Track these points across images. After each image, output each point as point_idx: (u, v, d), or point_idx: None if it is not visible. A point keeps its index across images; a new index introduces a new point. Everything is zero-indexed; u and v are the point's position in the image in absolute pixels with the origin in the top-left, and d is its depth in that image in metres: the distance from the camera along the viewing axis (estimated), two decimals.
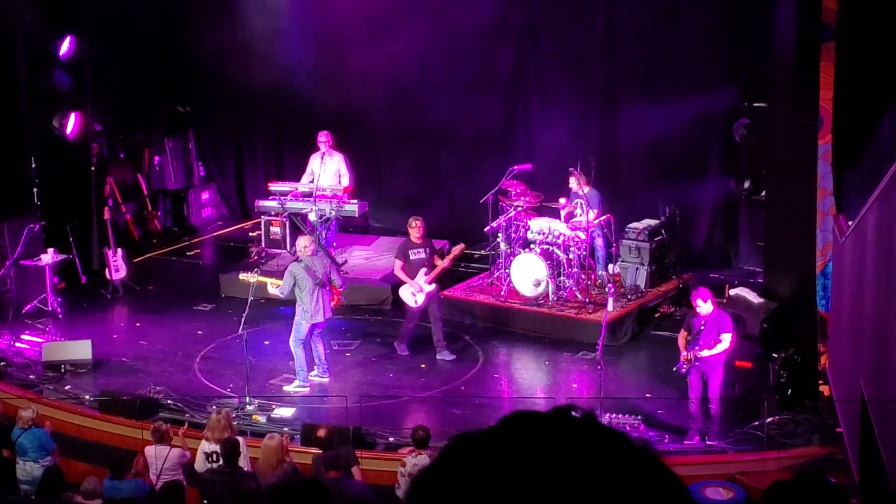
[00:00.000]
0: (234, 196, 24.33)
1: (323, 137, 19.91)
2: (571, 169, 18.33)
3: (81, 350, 16.90)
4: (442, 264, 16.90)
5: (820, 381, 15.36)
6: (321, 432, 13.06)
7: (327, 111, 21.62)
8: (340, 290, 16.30)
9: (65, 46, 19.63)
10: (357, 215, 20.10)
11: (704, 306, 14.31)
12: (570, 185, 18.42)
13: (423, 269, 16.63)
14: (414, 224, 16.80)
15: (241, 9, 22.25)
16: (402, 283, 17.01)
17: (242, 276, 16.53)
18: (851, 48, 13.72)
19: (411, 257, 16.74)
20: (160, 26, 22.68)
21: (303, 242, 16.13)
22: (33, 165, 20.21)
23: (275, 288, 16.00)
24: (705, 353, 14.24)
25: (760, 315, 15.68)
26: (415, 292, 16.66)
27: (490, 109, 21.45)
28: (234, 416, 14.49)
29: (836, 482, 12.12)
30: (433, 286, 16.77)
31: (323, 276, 15.76)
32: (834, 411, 14.56)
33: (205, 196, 24.02)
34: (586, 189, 18.32)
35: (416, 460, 12.69)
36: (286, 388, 16.03)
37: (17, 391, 15.84)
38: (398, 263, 16.89)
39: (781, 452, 14.19)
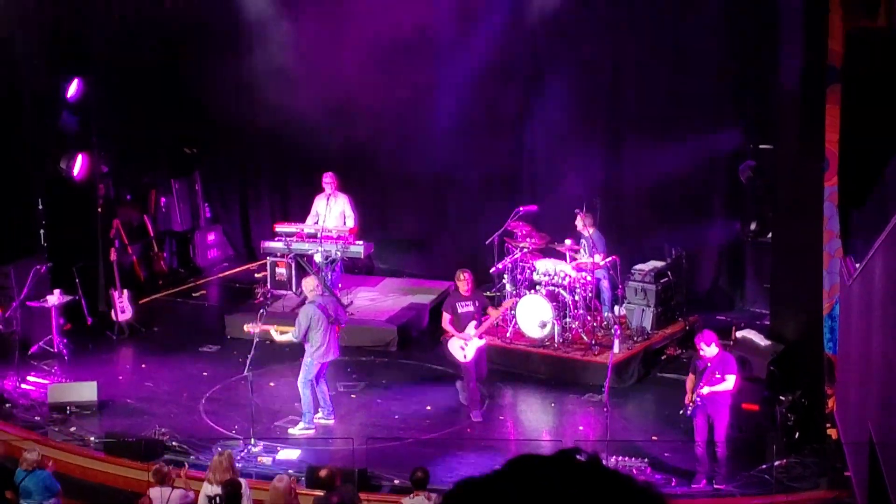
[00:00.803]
0: (240, 237, 24.36)
1: (328, 179, 19.97)
2: (577, 210, 18.35)
3: (87, 391, 16.88)
4: (492, 317, 16.47)
5: (828, 424, 15.30)
6: (323, 472, 13.02)
7: (333, 152, 21.68)
8: (341, 327, 16.24)
9: (72, 89, 19.70)
10: (363, 256, 20.11)
11: (708, 350, 14.27)
12: (577, 226, 18.42)
13: (473, 323, 16.11)
14: (462, 277, 16.27)
15: (247, 51, 22.33)
16: (449, 336, 16.44)
17: (246, 327, 16.31)
18: (857, 90, 13.73)
19: (459, 310, 16.16)
20: (166, 68, 22.74)
21: (311, 284, 16.08)
22: (40, 207, 20.23)
23: (281, 335, 15.90)
24: (706, 389, 14.19)
25: (767, 357, 15.64)
26: (463, 345, 16.09)
27: (496, 151, 21.51)
28: (238, 457, 14.46)
29: None
30: (483, 340, 16.31)
31: (334, 313, 15.79)
32: (842, 454, 14.47)
33: (211, 237, 24.04)
34: (591, 230, 18.34)
35: (414, 501, 12.66)
36: (291, 430, 15.98)
37: (22, 433, 15.81)
38: (446, 317, 16.30)
39: (789, 496, 14.13)
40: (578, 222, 18.37)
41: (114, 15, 20.79)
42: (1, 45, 19.08)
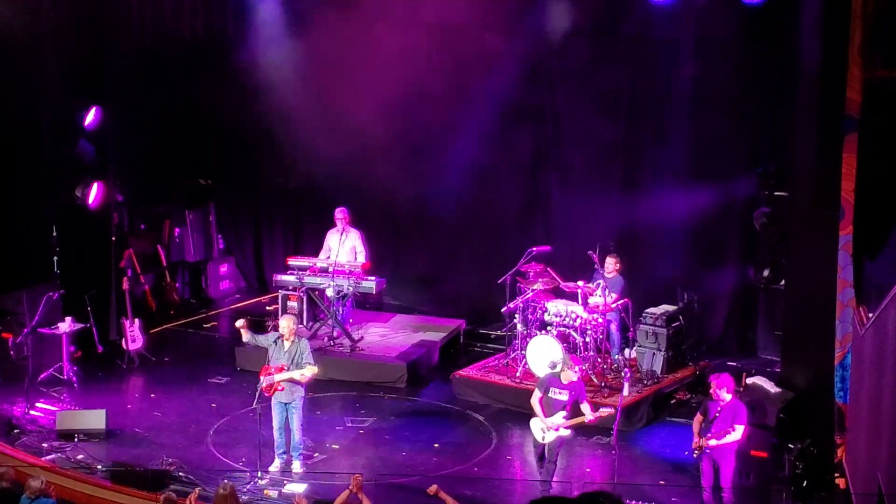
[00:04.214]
0: (253, 269, 24.41)
1: (340, 214, 20.05)
2: (613, 254, 18.45)
3: (95, 419, 16.87)
4: (584, 418, 14.94)
5: (836, 474, 15.23)
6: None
7: (347, 187, 21.74)
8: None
9: (89, 117, 19.77)
10: (374, 292, 20.11)
11: (723, 394, 14.22)
12: (606, 265, 18.40)
13: (562, 413, 14.85)
14: (572, 366, 15.15)
15: (264, 85, 22.39)
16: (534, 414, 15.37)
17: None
18: (874, 140, 13.76)
19: (550, 395, 15.00)
20: (184, 100, 22.84)
21: (291, 323, 15.71)
22: (54, 234, 20.27)
23: (303, 375, 15.60)
24: (713, 441, 14.14)
25: (777, 405, 15.61)
26: (545, 429, 15.06)
27: (510, 191, 21.54)
28: (244, 490, 14.46)
29: None
30: (568, 432, 15.04)
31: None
32: None
33: (223, 269, 24.09)
34: (612, 274, 18.37)
35: None
36: (296, 469, 15.85)
37: (30, 459, 15.79)
38: (537, 394, 15.28)
39: None
40: (609, 262, 18.39)
41: (132, 45, 20.89)
42: (20, 74, 19.15)
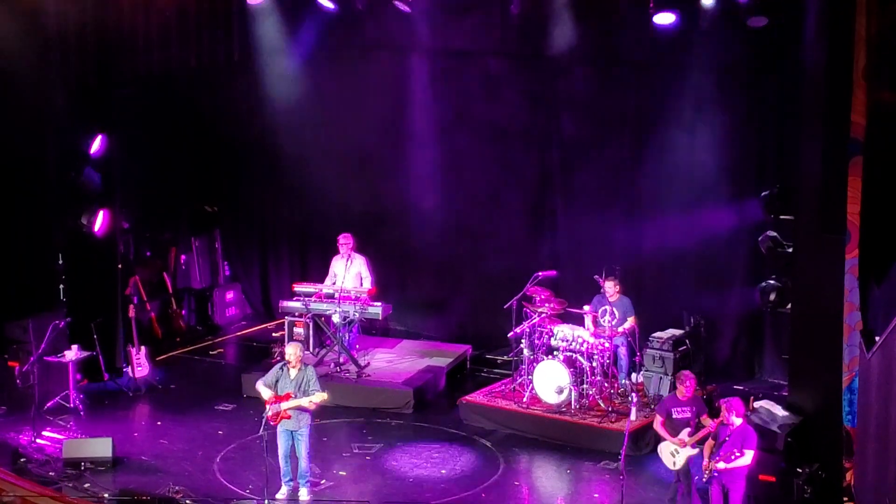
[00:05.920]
0: (259, 296, 24.39)
1: (343, 240, 20.07)
2: (611, 277, 18.36)
3: (102, 448, 16.85)
4: (707, 428, 14.75)
5: (845, 498, 15.19)
6: None
7: (352, 213, 21.80)
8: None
9: (95, 145, 19.80)
10: (381, 318, 20.10)
11: (733, 418, 14.20)
12: (606, 290, 18.36)
13: (687, 430, 14.86)
14: (687, 381, 15.01)
15: (270, 112, 22.45)
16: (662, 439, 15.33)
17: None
18: (880, 163, 13.75)
19: (674, 416, 14.99)
20: (188, 127, 22.87)
21: (298, 350, 15.63)
22: (60, 262, 20.30)
23: (312, 402, 15.59)
24: (722, 465, 14.13)
25: (785, 429, 15.57)
26: (675, 451, 15.03)
27: (516, 215, 21.54)
28: None
29: None
30: (696, 449, 14.81)
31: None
32: None
33: (229, 295, 24.10)
34: (615, 297, 18.34)
35: None
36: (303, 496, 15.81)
37: (36, 488, 15.77)
38: (658, 419, 15.30)
39: None
40: (609, 286, 18.36)
41: (138, 72, 20.92)
42: (26, 102, 19.20)
